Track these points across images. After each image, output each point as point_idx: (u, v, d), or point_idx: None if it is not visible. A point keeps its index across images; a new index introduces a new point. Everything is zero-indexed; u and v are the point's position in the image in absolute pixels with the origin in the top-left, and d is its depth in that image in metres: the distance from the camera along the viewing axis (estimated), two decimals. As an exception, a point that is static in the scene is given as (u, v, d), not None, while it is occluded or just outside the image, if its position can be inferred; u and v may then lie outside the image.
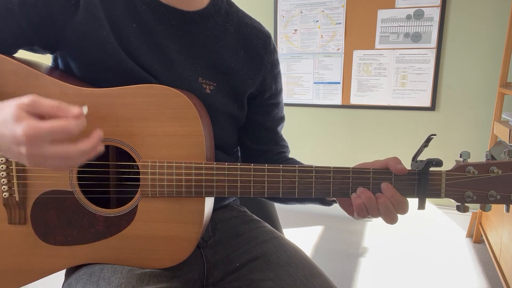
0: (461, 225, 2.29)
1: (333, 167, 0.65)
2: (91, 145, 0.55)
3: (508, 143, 1.55)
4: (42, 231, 0.68)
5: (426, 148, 0.64)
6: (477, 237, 2.14)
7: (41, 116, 0.52)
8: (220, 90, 0.77)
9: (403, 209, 0.64)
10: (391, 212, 0.63)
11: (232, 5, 0.82)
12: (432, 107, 2.23)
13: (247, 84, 0.80)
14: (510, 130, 1.61)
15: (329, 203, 0.77)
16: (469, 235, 2.20)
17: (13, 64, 0.66)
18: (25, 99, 0.52)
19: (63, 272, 0.74)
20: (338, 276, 1.82)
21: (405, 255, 2.03)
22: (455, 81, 2.18)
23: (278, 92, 0.87)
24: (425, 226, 2.33)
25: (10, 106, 0.51)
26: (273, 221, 1.04)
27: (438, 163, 0.63)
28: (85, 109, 0.55)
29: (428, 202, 2.34)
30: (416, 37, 2.17)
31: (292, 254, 0.78)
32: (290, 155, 0.91)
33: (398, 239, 2.19)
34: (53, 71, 0.71)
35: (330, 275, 0.78)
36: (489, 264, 1.92)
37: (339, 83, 2.38)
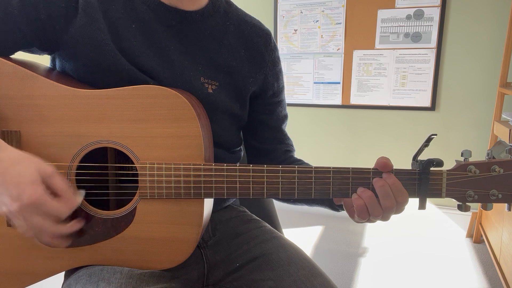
0: (461, 225, 2.29)
1: (333, 168, 0.64)
2: (66, 231, 0.60)
3: (508, 143, 1.55)
4: None
5: (426, 148, 0.64)
6: (477, 237, 2.14)
7: (49, 188, 0.58)
8: (222, 90, 0.77)
9: (403, 198, 0.63)
10: (389, 196, 0.62)
11: (231, 4, 0.83)
12: (432, 107, 2.23)
13: (249, 83, 0.80)
14: (510, 130, 1.61)
15: (337, 209, 0.77)
16: (469, 235, 2.20)
17: (9, 66, 0.65)
18: (47, 169, 0.58)
19: (62, 272, 0.74)
20: (338, 276, 1.82)
21: (405, 255, 2.02)
22: (455, 81, 2.18)
23: (280, 90, 0.87)
24: (425, 226, 2.32)
25: (30, 165, 0.57)
26: (273, 221, 1.04)
27: (439, 163, 0.62)
28: (82, 195, 0.63)
29: (428, 202, 2.34)
30: (416, 37, 2.17)
31: (292, 253, 0.78)
32: (295, 155, 0.91)
33: (398, 239, 2.19)
34: (50, 72, 0.71)
35: (330, 275, 0.78)
36: (489, 264, 1.92)
37: (339, 83, 2.37)
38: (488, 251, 1.94)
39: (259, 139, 0.88)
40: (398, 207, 0.64)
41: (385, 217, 0.65)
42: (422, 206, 0.65)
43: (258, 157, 0.89)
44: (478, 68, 2.12)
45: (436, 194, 0.64)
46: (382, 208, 0.64)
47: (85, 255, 0.68)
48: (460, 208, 0.64)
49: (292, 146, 0.91)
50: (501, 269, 1.66)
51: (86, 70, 0.70)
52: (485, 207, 0.64)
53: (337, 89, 2.39)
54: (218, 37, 0.77)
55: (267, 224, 0.90)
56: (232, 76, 0.78)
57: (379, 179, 0.63)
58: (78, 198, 0.62)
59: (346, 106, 2.39)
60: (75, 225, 0.62)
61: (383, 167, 0.63)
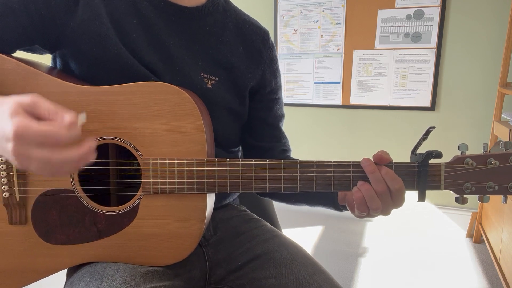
0: (461, 225, 2.29)
1: (334, 161, 0.65)
2: (77, 155, 0.51)
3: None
4: (43, 231, 0.67)
5: (425, 141, 0.65)
6: (477, 237, 2.14)
7: (38, 118, 0.50)
8: (222, 85, 0.77)
9: (399, 187, 0.63)
10: (380, 182, 0.63)
11: (230, 3, 0.84)
12: (432, 107, 2.23)
13: (247, 79, 0.81)
14: (510, 130, 1.61)
15: (340, 208, 0.77)
16: (469, 235, 2.20)
17: (12, 63, 0.65)
18: (26, 98, 0.50)
19: (65, 270, 0.74)
20: (338, 276, 1.82)
21: (405, 255, 2.03)
22: (455, 81, 2.18)
23: (277, 88, 0.88)
24: (425, 226, 2.32)
25: (10, 102, 0.50)
26: (272, 221, 1.04)
27: (438, 155, 0.64)
28: (82, 117, 0.52)
29: (428, 202, 2.34)
30: (416, 37, 2.18)
31: (294, 252, 0.78)
32: (291, 155, 0.91)
33: (398, 239, 2.19)
34: (52, 70, 0.71)
35: (330, 275, 0.78)
36: (489, 264, 1.92)
37: (339, 83, 2.38)
38: (488, 251, 1.94)
39: (256, 137, 0.88)
40: (395, 197, 0.64)
41: (384, 211, 0.65)
42: (421, 198, 0.66)
43: (255, 156, 0.89)
44: (478, 68, 2.13)
45: (435, 186, 0.65)
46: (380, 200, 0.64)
47: (87, 252, 0.68)
48: (457, 200, 0.66)
49: (289, 146, 0.92)
50: (501, 269, 1.66)
51: (89, 65, 0.70)
52: (482, 200, 0.65)
53: (337, 89, 2.39)
54: (217, 34, 0.78)
55: (268, 223, 0.90)
56: (231, 71, 0.79)
57: (371, 164, 0.64)
58: (75, 117, 0.50)
59: (346, 106, 2.39)
60: (84, 146, 0.51)
61: (378, 160, 0.65)
